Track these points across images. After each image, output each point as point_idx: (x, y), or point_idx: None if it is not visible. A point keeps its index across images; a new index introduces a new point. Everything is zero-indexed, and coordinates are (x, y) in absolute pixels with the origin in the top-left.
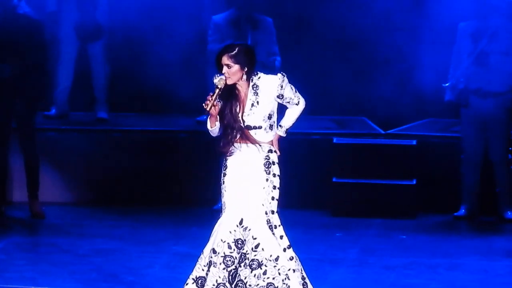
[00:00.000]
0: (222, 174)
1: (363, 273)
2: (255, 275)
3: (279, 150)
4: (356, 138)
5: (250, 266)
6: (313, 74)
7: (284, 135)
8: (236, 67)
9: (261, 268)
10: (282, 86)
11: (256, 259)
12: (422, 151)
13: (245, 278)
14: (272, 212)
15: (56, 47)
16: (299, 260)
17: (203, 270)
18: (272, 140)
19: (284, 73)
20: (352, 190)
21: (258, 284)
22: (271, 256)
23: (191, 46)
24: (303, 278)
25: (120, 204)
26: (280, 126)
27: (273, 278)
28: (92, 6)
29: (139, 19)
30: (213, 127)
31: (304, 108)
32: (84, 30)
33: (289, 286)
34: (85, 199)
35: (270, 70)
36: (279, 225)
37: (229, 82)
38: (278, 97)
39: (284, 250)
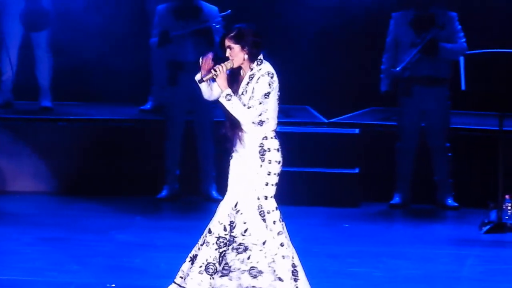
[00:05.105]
0: (231, 157)
1: (306, 262)
2: (239, 259)
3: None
4: (299, 127)
5: (237, 249)
6: None
7: (222, 100)
8: (236, 47)
9: (246, 253)
10: (269, 83)
11: (243, 244)
12: (365, 139)
13: (231, 261)
14: (266, 197)
15: None
16: (293, 247)
17: (199, 249)
18: (266, 133)
19: (272, 74)
20: (296, 179)
21: (240, 268)
22: (258, 240)
23: (135, 36)
24: (293, 266)
25: (64, 193)
26: (229, 94)
27: (257, 262)
28: None
29: (83, 8)
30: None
31: (245, 120)
32: (29, 18)
33: (274, 270)
34: (29, 188)
35: None
36: (273, 211)
37: (235, 65)
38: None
39: (278, 234)
